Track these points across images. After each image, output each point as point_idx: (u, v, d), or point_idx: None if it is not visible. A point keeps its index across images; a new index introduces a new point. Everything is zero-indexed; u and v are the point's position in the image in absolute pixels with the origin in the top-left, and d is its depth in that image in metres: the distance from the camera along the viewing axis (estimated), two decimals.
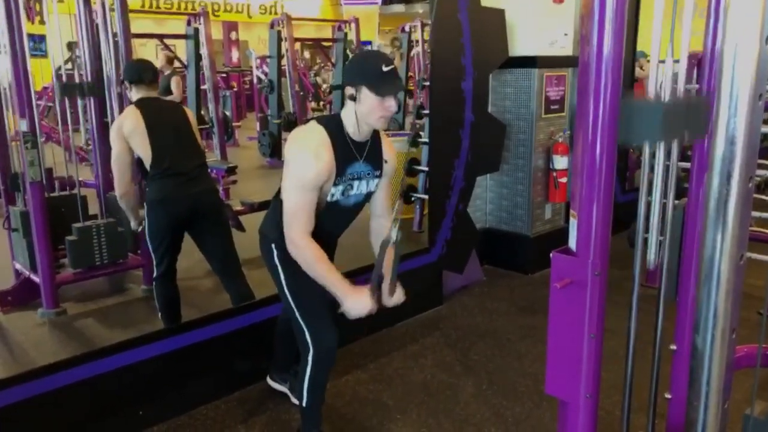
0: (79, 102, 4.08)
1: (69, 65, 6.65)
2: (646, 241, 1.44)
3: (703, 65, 1.50)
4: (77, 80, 4.14)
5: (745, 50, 0.99)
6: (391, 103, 2.03)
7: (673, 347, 1.56)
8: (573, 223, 1.21)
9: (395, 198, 2.20)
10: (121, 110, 3.56)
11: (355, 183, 2.18)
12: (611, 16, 1.07)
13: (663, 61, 1.28)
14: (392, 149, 2.29)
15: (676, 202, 1.51)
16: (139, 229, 3.18)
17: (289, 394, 2.75)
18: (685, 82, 1.42)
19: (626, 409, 1.49)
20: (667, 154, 1.20)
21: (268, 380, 2.85)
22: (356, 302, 2.08)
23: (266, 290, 2.86)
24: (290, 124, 8.11)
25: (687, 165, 1.58)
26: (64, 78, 4.05)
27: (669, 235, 1.48)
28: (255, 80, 10.79)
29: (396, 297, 2.20)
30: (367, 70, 2.01)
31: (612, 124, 1.13)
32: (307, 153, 2.03)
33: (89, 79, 4.07)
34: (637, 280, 1.43)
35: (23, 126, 3.28)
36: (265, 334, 2.86)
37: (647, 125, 1.10)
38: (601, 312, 1.15)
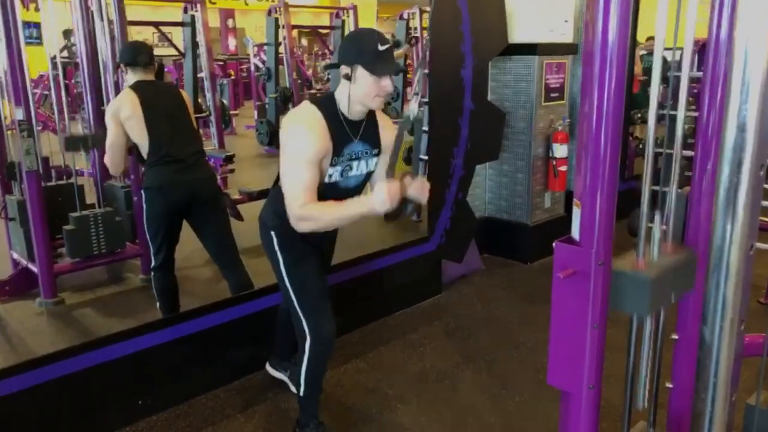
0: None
1: (65, 53, 6.60)
2: (648, 230, 1.43)
3: (707, 52, 1.49)
4: (73, 68, 4.08)
5: (757, 35, 0.97)
6: (387, 83, 1.99)
7: (675, 336, 1.56)
8: (576, 212, 1.19)
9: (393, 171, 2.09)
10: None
11: (354, 164, 2.15)
12: (617, 1, 1.05)
13: (669, 49, 1.27)
14: (388, 122, 2.24)
15: (679, 190, 1.50)
16: None
17: (288, 382, 2.75)
18: (690, 69, 1.40)
19: (628, 398, 1.48)
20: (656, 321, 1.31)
21: (268, 367, 2.84)
22: (378, 197, 1.91)
23: (265, 279, 2.85)
24: (286, 99, 8.10)
25: (690, 153, 1.56)
26: (59, 65, 4.01)
27: (672, 225, 1.47)
28: (252, 68, 10.73)
29: (416, 186, 1.99)
30: (363, 48, 1.97)
31: (617, 112, 1.11)
32: (301, 128, 2.00)
33: (85, 65, 4.04)
34: (642, 247, 1.41)
35: (19, 114, 3.25)
36: (264, 323, 2.85)
37: (634, 297, 1.18)
38: (604, 302, 1.14)
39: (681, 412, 1.51)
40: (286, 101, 8.12)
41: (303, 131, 2.00)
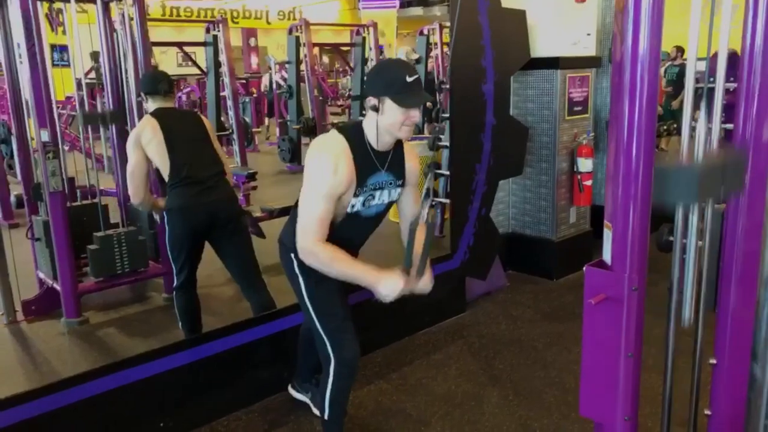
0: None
1: (93, 74, 6.73)
2: (682, 247, 1.36)
3: (741, 61, 1.43)
4: (99, 89, 4.13)
5: None
6: (415, 113, 1.98)
7: (713, 361, 1.48)
8: (607, 234, 1.13)
9: (420, 198, 2.12)
10: (141, 118, 3.56)
11: (377, 193, 2.13)
12: (647, 11, 1.00)
13: (702, 59, 1.21)
14: (415, 157, 2.23)
15: (716, 206, 1.43)
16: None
17: (311, 404, 2.71)
18: (724, 79, 1.35)
19: (665, 425, 1.41)
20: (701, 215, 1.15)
21: (290, 390, 2.80)
22: (387, 284, 1.98)
23: (288, 298, 2.81)
24: (309, 129, 8.11)
25: None
26: (84, 86, 4.07)
27: (708, 242, 1.40)
28: (274, 86, 10.82)
29: (422, 282, 2.06)
30: (391, 81, 1.95)
31: (649, 127, 1.06)
32: (327, 164, 1.99)
33: (109, 86, 4.09)
34: (675, 289, 1.35)
35: (44, 136, 3.29)
36: (286, 343, 2.82)
37: (682, 188, 1.06)
38: (639, 330, 1.08)
39: None
40: (309, 132, 8.09)
41: (328, 166, 1.98)
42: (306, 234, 2.01)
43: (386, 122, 1.98)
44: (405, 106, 1.94)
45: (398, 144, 2.13)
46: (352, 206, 2.08)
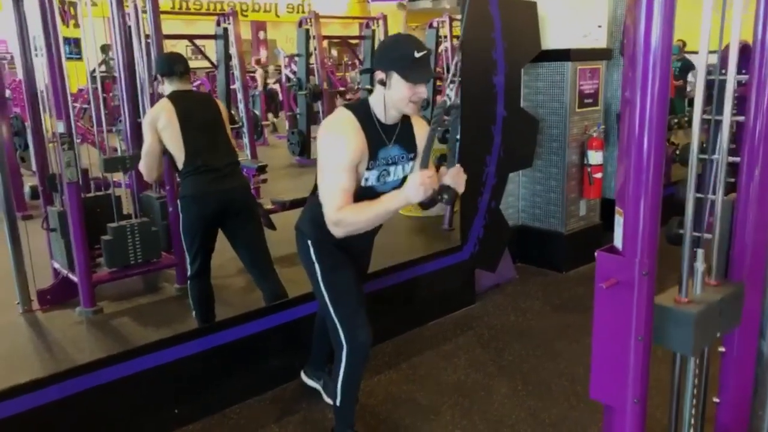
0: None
1: (102, 67, 6.78)
2: (693, 239, 1.38)
3: (753, 53, 1.44)
4: (110, 82, 4.18)
5: None
6: (422, 89, 2.00)
7: (722, 349, 1.50)
8: (618, 220, 1.16)
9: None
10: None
11: (391, 169, 2.15)
12: (660, 3, 1.01)
13: (713, 52, 1.23)
14: (423, 125, 2.23)
15: (725, 198, 1.45)
16: None
17: (322, 392, 2.74)
18: (736, 72, 1.36)
19: (674, 413, 1.43)
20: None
21: (302, 376, 2.84)
22: (411, 187, 1.93)
23: (299, 288, 2.86)
24: (316, 95, 8.18)
25: (736, 159, 1.51)
26: (98, 79, 4.11)
27: (718, 233, 1.42)
28: (284, 79, 10.85)
29: (452, 173, 2.00)
30: (399, 55, 1.98)
31: (661, 118, 1.08)
32: (337, 134, 2.02)
33: (122, 79, 4.13)
34: (686, 279, 1.37)
35: (60, 128, 3.34)
36: (298, 332, 2.85)
37: (678, 334, 1.13)
38: (649, 313, 1.10)
39: (728, 427, 1.46)
40: (315, 98, 8.22)
41: (339, 138, 2.01)
42: (331, 208, 2.00)
43: (393, 97, 2.01)
44: (411, 81, 1.96)
45: (406, 117, 2.14)
46: (366, 179, 2.10)
